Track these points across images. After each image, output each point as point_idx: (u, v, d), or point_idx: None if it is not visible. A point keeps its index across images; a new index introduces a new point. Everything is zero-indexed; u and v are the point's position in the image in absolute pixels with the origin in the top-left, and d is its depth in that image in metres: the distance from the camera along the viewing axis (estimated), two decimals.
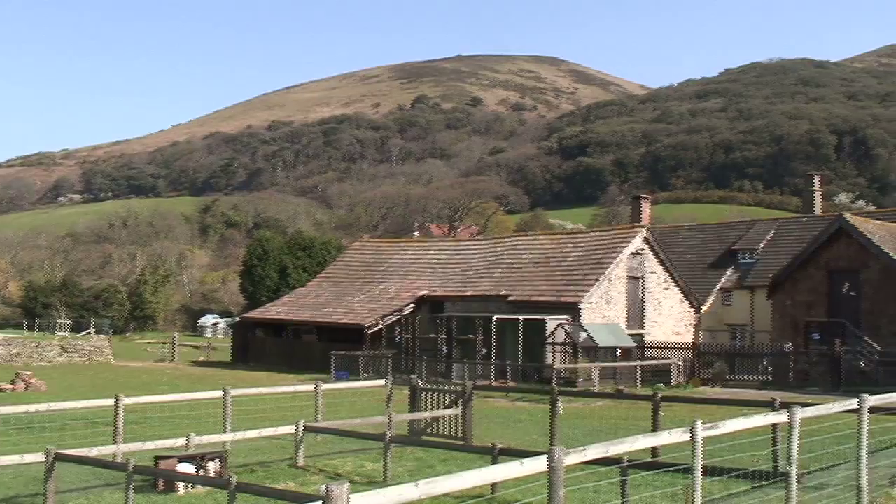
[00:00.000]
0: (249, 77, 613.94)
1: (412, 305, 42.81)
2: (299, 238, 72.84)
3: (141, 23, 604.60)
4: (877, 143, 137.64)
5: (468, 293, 41.63)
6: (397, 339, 42.03)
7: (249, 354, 47.19)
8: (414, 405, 18.19)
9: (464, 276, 43.59)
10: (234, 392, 16.73)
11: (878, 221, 40.31)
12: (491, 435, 17.80)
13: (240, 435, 15.50)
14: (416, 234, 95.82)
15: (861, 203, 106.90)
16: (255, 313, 50.48)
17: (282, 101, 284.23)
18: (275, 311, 48.55)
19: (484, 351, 37.01)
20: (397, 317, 42.38)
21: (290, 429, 15.59)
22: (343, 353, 38.51)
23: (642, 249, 39.97)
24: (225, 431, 15.81)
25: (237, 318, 58.68)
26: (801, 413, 10.24)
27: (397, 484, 6.14)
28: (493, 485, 11.71)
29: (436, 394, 18.09)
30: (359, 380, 31.83)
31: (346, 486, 5.27)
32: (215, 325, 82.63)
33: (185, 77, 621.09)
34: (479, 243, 49.20)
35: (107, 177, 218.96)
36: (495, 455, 11.97)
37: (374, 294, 45.28)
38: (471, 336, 37.64)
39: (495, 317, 37.17)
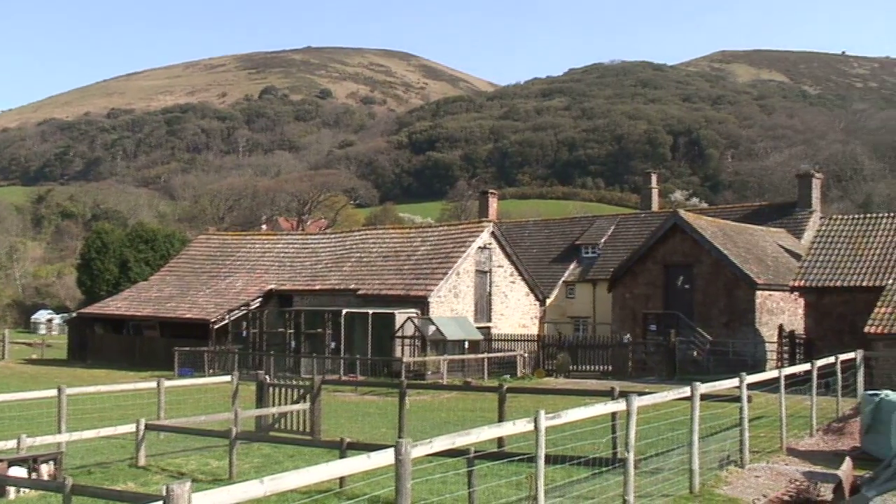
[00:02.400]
0: (87, 62, 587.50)
1: (260, 300, 42.11)
2: (141, 230, 70.25)
3: None
4: (709, 144, 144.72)
5: (317, 287, 41.31)
6: (244, 334, 41.27)
7: (88, 352, 45.25)
8: (261, 401, 17.93)
9: (313, 269, 43.21)
10: (69, 391, 15.99)
11: (709, 218, 42.47)
12: (339, 429, 17.76)
13: (76, 435, 14.83)
14: (264, 227, 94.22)
15: (695, 201, 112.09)
16: (94, 308, 48.42)
17: (122, 88, 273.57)
18: (115, 306, 46.74)
19: (333, 345, 36.84)
20: (244, 311, 41.59)
21: (130, 428, 15.06)
22: (187, 348, 37.52)
23: (490, 244, 40.67)
24: (60, 432, 15.10)
25: (74, 314, 56.21)
26: (637, 401, 10.68)
27: (242, 481, 6.02)
28: (342, 479, 11.69)
29: (283, 389, 17.89)
30: (204, 376, 31.08)
31: (188, 484, 5.14)
32: (50, 321, 78.90)
33: (17, 61, 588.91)
34: (328, 237, 48.86)
35: None
36: (343, 449, 11.94)
37: (219, 288, 44.28)
38: (320, 330, 37.40)
39: (344, 311, 37.06)
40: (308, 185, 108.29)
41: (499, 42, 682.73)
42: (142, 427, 14.75)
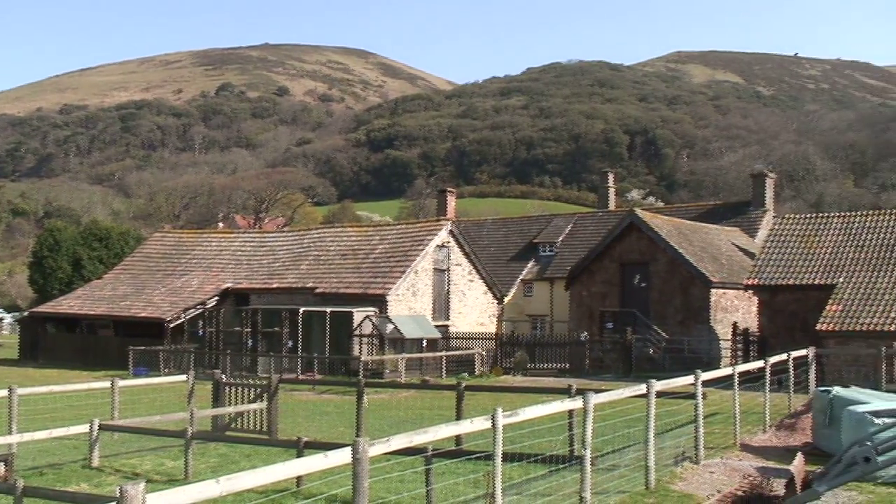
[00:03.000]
0: (39, 57, 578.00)
1: (216, 298, 41.74)
2: (95, 228, 69.17)
3: None
4: (665, 144, 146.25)
5: (274, 285, 41.05)
6: (200, 332, 40.88)
7: (40, 351, 44.50)
8: (217, 400, 17.76)
9: (270, 268, 42.93)
10: (20, 391, 15.71)
11: (665, 217, 42.88)
12: (297, 428, 17.67)
13: (28, 436, 14.56)
14: (221, 225, 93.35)
15: (651, 200, 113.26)
16: (46, 307, 47.63)
17: (75, 83, 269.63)
18: (68, 304, 46.03)
19: (290, 344, 36.63)
20: (200, 310, 41.19)
21: (83, 428, 14.84)
22: (142, 348, 37.08)
23: (448, 242, 40.71)
24: (10, 433, 14.84)
25: (25, 313, 55.25)
26: (594, 399, 10.75)
27: (198, 481, 5.97)
28: (299, 478, 11.63)
29: (240, 388, 17.74)
30: (159, 375, 30.74)
31: (143, 485, 5.07)
32: (1, 320, 77.67)
33: None
34: (285, 235, 48.55)
35: None
36: (300, 448, 11.89)
37: (175, 287, 43.81)
38: (277, 329, 37.16)
39: (302, 309, 36.86)
40: (265, 183, 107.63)
41: (457, 40, 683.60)
42: (95, 427, 14.55)
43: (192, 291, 42.68)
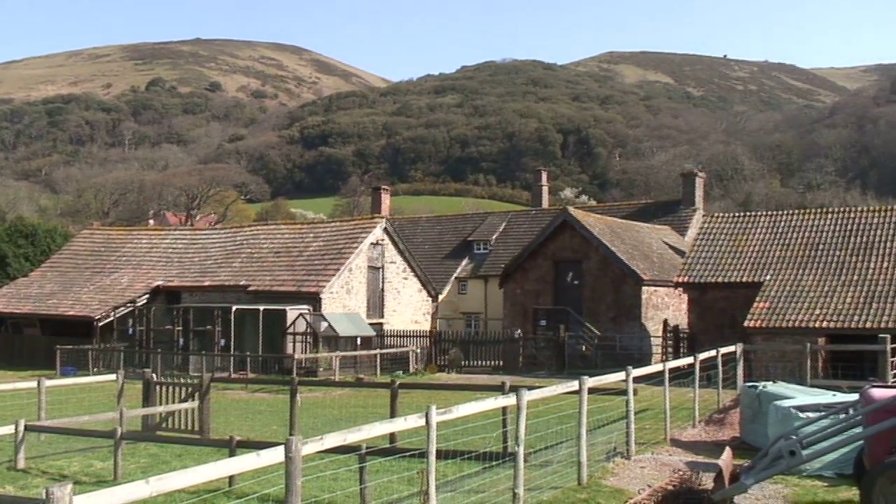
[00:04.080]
0: None
1: (146, 296, 41.01)
2: (20, 225, 67.40)
3: None
4: (598, 143, 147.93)
5: (206, 283, 40.51)
6: (130, 331, 40.14)
7: None
8: (147, 400, 17.48)
9: (202, 265, 42.35)
10: None
11: (598, 215, 43.41)
12: (229, 427, 17.47)
13: None
14: (152, 222, 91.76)
15: (584, 198, 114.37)
16: None
17: (0, 76, 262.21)
18: None
19: (223, 342, 36.21)
20: (130, 308, 40.44)
21: (8, 429, 14.48)
22: (70, 347, 36.28)
23: (382, 240, 40.63)
24: None
25: None
26: (527, 396, 10.83)
27: (128, 482, 5.86)
28: (231, 478, 11.50)
29: (171, 387, 17.50)
30: (88, 375, 30.11)
31: (70, 486, 4.96)
32: None
33: None
34: (218, 232, 47.95)
35: None
36: (233, 448, 11.77)
37: (104, 285, 42.94)
38: (209, 327, 36.68)
39: (234, 307, 36.48)
40: (197, 180, 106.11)
41: (392, 38, 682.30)
42: (21, 428, 14.20)
43: (121, 289, 41.89)
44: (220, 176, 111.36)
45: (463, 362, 36.65)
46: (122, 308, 40.39)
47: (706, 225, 35.07)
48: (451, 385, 24.65)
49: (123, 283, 42.51)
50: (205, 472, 6.17)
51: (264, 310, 36.34)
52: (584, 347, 36.71)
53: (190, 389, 16.99)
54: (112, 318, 39.92)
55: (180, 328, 37.68)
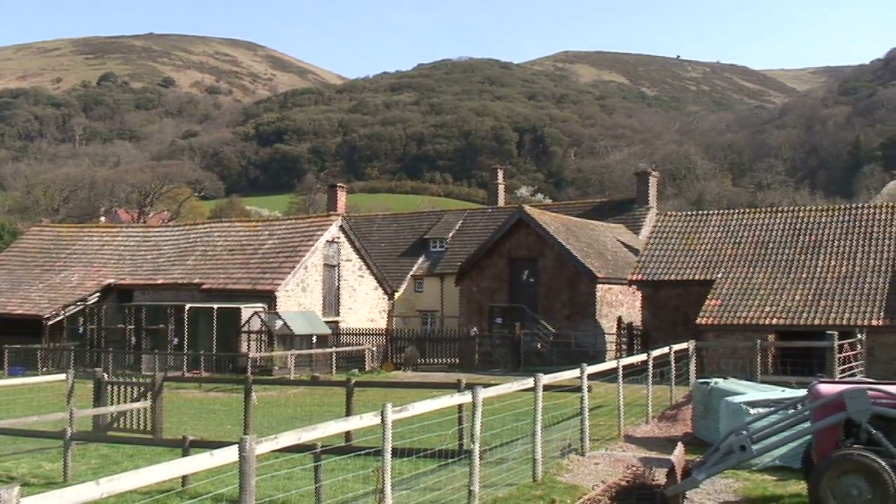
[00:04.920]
0: None
1: (97, 294, 40.43)
2: None
3: None
4: (553, 142, 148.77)
5: (159, 281, 40.04)
6: (81, 330, 39.56)
7: None
8: (98, 399, 17.23)
9: (155, 263, 41.85)
10: None
11: (553, 214, 43.65)
12: (183, 427, 17.30)
13: None
14: (103, 219, 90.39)
15: (539, 196, 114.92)
16: None
17: None
18: None
19: (176, 341, 35.81)
20: (81, 307, 39.85)
21: None
22: (18, 346, 35.66)
23: (338, 238, 40.48)
24: None
25: None
26: (483, 393, 10.86)
27: (78, 483, 5.78)
28: (184, 478, 11.39)
29: (123, 387, 17.27)
30: (37, 375, 29.61)
31: (18, 488, 4.88)
32: None
33: None
34: (171, 230, 47.41)
35: None
36: (186, 447, 11.65)
37: (54, 283, 42.24)
38: (162, 326, 36.26)
39: (188, 305, 36.10)
40: (150, 177, 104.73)
41: (348, 35, 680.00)
42: None
43: (72, 287, 41.25)
44: (173, 173, 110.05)
45: (419, 360, 36.66)
46: (73, 307, 39.78)
47: (659, 223, 35.43)
48: (406, 383, 24.66)
49: (74, 282, 41.87)
50: (157, 473, 6.11)
51: (218, 308, 36.03)
52: (539, 345, 36.90)
53: (142, 389, 16.79)
54: (62, 317, 39.29)
55: (132, 327, 37.19)
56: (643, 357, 18.70)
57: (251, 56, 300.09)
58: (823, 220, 31.63)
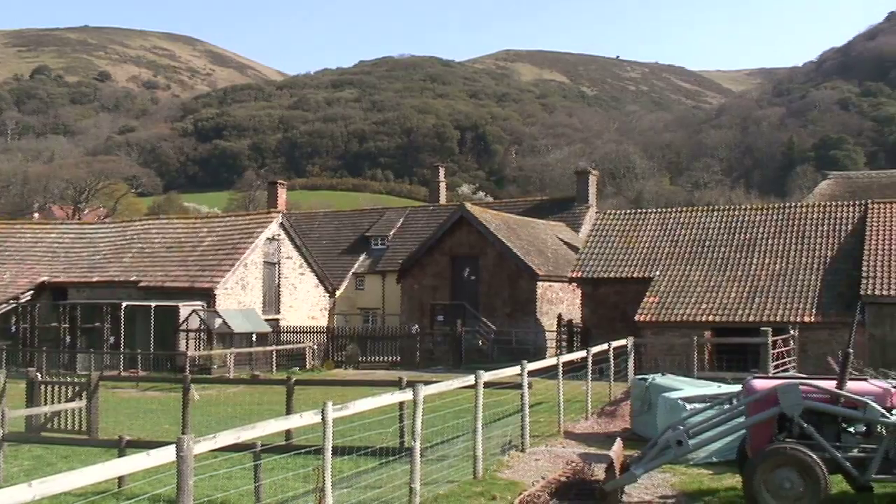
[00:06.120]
0: None
1: (31, 293, 39.51)
2: None
3: None
4: (494, 140, 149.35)
5: (95, 279, 39.30)
6: (13, 329, 38.66)
7: None
8: (32, 399, 16.87)
9: (90, 261, 41.06)
10: None
11: (494, 212, 43.85)
12: (119, 427, 17.03)
13: None
14: (37, 215, 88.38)
15: (481, 194, 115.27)
16: None
17: None
18: None
19: (112, 340, 35.21)
20: (13, 305, 38.91)
21: None
22: None
23: (278, 235, 40.16)
24: None
25: None
26: (424, 391, 10.87)
27: (9, 486, 5.65)
28: (120, 478, 11.22)
29: (57, 386, 16.94)
30: None
31: None
32: None
33: None
34: (107, 226, 46.55)
35: None
36: (122, 448, 11.48)
37: None
38: (97, 324, 35.62)
39: (125, 304, 35.51)
40: (85, 172, 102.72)
41: (289, 31, 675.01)
42: None
43: (3, 285, 40.26)
44: (109, 168, 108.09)
45: (360, 358, 36.58)
46: (5, 305, 38.83)
47: (599, 222, 35.82)
48: (348, 381, 24.58)
49: (6, 279, 40.88)
50: (92, 474, 6.00)
51: (156, 306, 35.51)
52: (480, 342, 37.07)
53: (77, 388, 16.50)
54: None
55: (67, 325, 36.45)
56: (583, 354, 18.90)
57: (190, 51, 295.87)
58: (758, 218, 32.28)
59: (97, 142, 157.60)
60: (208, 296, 36.12)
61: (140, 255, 40.12)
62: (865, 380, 10.90)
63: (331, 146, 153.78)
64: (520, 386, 14.38)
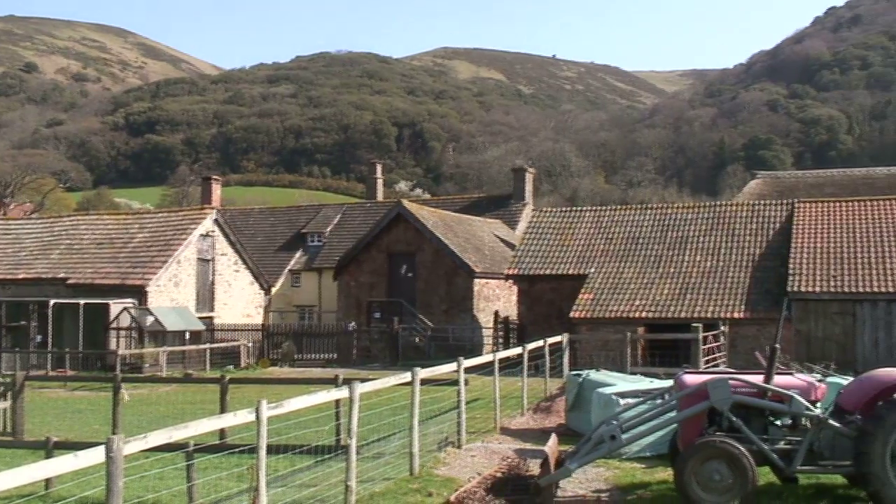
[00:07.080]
0: None
1: None
2: None
3: None
4: (432, 137, 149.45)
5: (20, 276, 38.33)
6: None
7: None
8: None
9: (16, 257, 40.04)
10: None
11: (432, 209, 43.89)
12: (46, 428, 16.67)
13: None
14: None
15: (418, 191, 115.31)
16: None
17: None
18: None
19: (39, 338, 34.40)
20: None
21: None
22: None
23: (213, 231, 39.64)
24: None
25: None
26: (360, 388, 10.84)
27: None
28: (47, 480, 10.97)
29: None
30: None
31: None
32: None
33: None
34: (33, 222, 45.45)
35: None
36: (49, 449, 11.22)
37: None
38: (24, 323, 34.75)
39: (52, 301, 34.72)
40: (10, 166, 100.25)
41: (223, 24, 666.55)
42: None
43: None
44: (36, 162, 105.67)
45: (296, 356, 36.32)
46: None
47: (535, 219, 36.09)
48: (283, 379, 24.38)
49: None
50: (18, 476, 5.86)
51: (85, 304, 34.79)
52: (417, 339, 37.08)
53: (1, 388, 16.10)
54: None
55: None
56: (519, 350, 19.03)
57: (121, 43, 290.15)
58: (689, 216, 32.85)
59: (23, 135, 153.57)
60: (140, 293, 35.50)
61: (68, 252, 39.25)
62: (791, 374, 11.15)
63: (266, 142, 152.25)
64: (456, 383, 14.41)
